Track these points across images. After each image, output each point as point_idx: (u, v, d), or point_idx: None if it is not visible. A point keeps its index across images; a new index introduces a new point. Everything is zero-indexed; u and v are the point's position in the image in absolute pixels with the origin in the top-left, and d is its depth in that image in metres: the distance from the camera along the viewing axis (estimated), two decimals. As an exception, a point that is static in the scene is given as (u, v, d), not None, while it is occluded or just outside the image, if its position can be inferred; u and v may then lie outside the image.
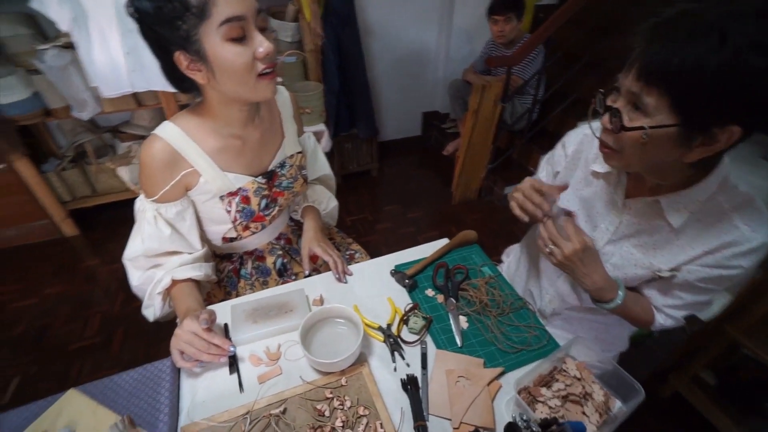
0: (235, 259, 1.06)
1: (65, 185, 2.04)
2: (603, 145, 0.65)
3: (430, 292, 0.89)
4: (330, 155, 2.58)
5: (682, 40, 0.49)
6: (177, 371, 0.71)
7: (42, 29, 1.80)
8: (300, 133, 1.07)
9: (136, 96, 1.86)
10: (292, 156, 1.00)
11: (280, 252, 1.09)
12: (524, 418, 0.59)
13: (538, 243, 0.75)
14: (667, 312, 0.77)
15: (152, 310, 0.87)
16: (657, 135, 0.55)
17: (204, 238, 0.96)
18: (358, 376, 0.70)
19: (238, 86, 0.73)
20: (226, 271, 1.05)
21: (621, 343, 0.99)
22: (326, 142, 2.04)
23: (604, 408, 0.64)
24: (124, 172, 2.05)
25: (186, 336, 0.68)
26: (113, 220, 2.27)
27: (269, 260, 1.07)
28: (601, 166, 0.77)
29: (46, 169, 1.99)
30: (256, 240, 1.05)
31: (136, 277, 0.87)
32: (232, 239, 0.99)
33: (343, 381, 0.69)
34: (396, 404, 0.67)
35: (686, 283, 0.71)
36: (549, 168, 0.94)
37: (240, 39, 0.67)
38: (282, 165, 0.98)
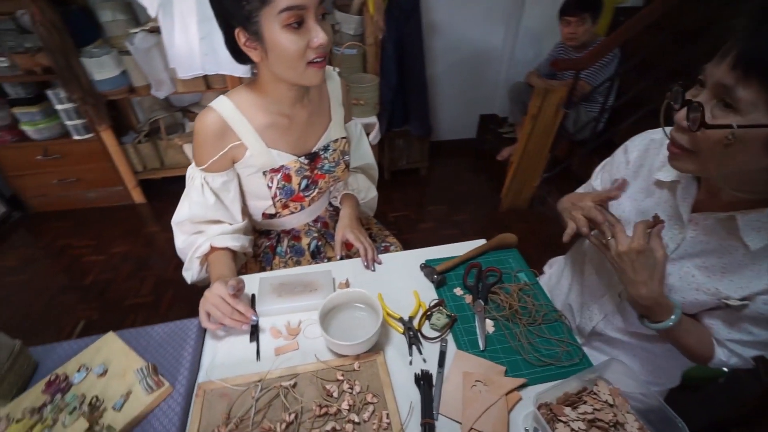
0: (273, 236, 1.10)
1: (139, 157, 2.25)
2: (673, 144, 0.57)
3: (458, 291, 0.85)
4: (380, 150, 2.60)
5: None
6: (203, 331, 0.75)
7: (136, 15, 2.00)
8: (347, 119, 1.07)
9: (206, 78, 2.01)
10: (336, 140, 1.01)
11: (316, 234, 1.10)
12: None
13: (599, 231, 0.68)
14: (731, 347, 0.66)
15: (191, 273, 0.92)
16: (747, 137, 0.47)
17: (246, 213, 1.00)
18: (371, 364, 0.69)
19: (288, 70, 0.75)
20: (263, 247, 1.09)
21: (670, 377, 0.88)
22: (375, 134, 2.05)
23: (636, 442, 0.57)
24: (189, 149, 2.22)
25: (213, 299, 0.72)
26: (176, 193, 2.42)
27: (304, 241, 1.09)
28: (666, 174, 0.69)
29: (124, 141, 2.21)
30: (294, 219, 1.08)
31: (180, 241, 0.93)
32: (271, 216, 1.02)
33: (356, 366, 0.68)
34: (406, 398, 0.65)
35: (760, 316, 0.61)
36: (605, 176, 0.86)
37: (297, 27, 0.69)
38: (326, 148, 0.99)
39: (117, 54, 1.93)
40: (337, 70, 1.74)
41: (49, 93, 1.98)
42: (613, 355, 0.86)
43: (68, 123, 2.05)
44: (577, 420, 0.59)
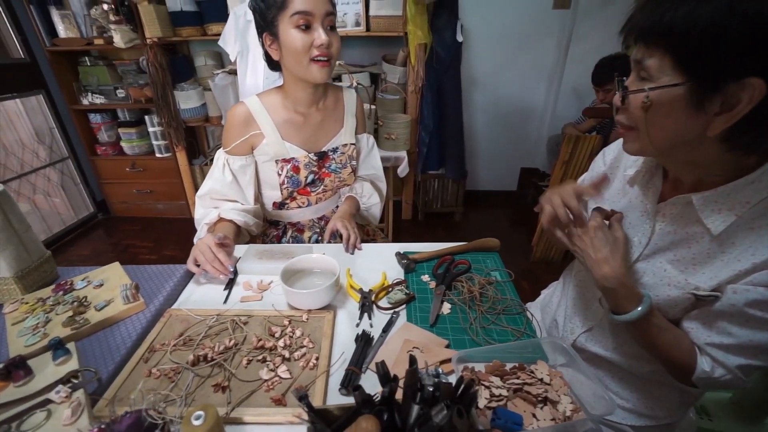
0: (280, 228, 1.21)
1: (203, 177, 2.61)
2: (620, 126, 0.60)
3: (425, 278, 0.88)
4: (414, 191, 2.72)
5: None
6: (189, 275, 0.86)
7: (222, 61, 2.46)
8: (359, 131, 1.20)
9: (266, 113, 2.34)
10: (345, 145, 1.14)
11: (318, 230, 1.20)
12: (435, 376, 0.50)
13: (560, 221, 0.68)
14: (713, 354, 0.59)
15: (198, 238, 1.05)
16: (664, 98, 0.50)
17: (258, 200, 1.14)
18: (319, 319, 0.73)
19: (296, 64, 0.92)
20: (270, 236, 1.20)
21: (668, 410, 0.76)
22: (404, 168, 2.18)
23: (562, 419, 0.53)
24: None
25: (201, 245, 0.83)
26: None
27: (306, 234, 1.19)
28: (632, 168, 0.70)
29: (194, 163, 2.59)
30: (300, 213, 1.19)
31: (199, 213, 1.08)
32: (281, 206, 1.14)
33: (304, 317, 0.73)
34: (341, 349, 0.67)
35: (734, 309, 0.55)
36: (588, 181, 0.87)
37: (305, 29, 0.87)
38: (335, 150, 1.12)
39: (201, 89, 2.36)
40: (355, 85, 1.94)
41: (147, 118, 2.44)
42: (598, 378, 0.79)
43: (155, 143, 2.49)
44: (501, 387, 0.57)
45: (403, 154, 2.16)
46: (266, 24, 0.90)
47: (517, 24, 2.46)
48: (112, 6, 2.13)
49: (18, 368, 0.54)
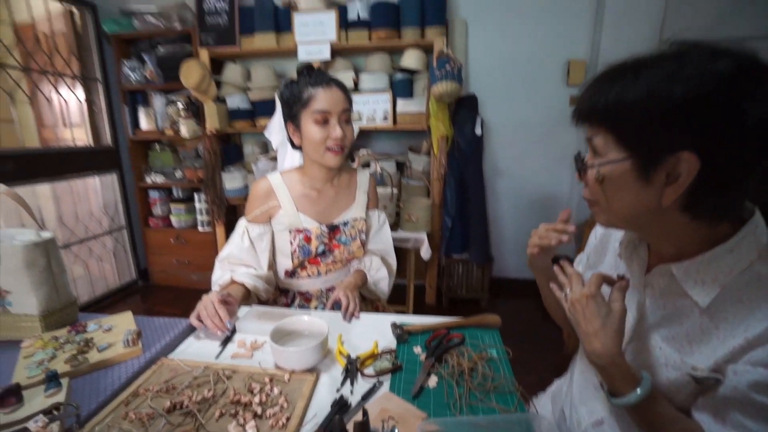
0: (289, 296, 1.26)
1: (238, 249, 2.78)
2: (586, 201, 0.63)
3: (417, 349, 0.86)
4: (438, 275, 2.70)
5: (606, 83, 0.53)
6: (190, 329, 0.90)
7: (267, 148, 2.80)
8: (371, 207, 1.30)
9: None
10: (356, 219, 1.23)
11: (324, 300, 1.23)
12: None
13: (559, 282, 0.67)
14: None
15: (210, 298, 1.12)
16: (614, 173, 0.53)
17: (272, 267, 1.21)
18: (301, 381, 0.73)
19: (313, 152, 1.06)
20: (280, 304, 1.25)
21: None
22: (426, 250, 2.22)
23: None
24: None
25: (205, 300, 0.89)
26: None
27: (313, 303, 1.22)
28: (619, 240, 0.70)
29: (232, 236, 2.79)
30: (309, 283, 1.24)
31: (216, 275, 1.16)
32: (292, 274, 1.21)
33: (286, 378, 0.73)
34: (316, 412, 0.66)
35: (739, 394, 0.50)
36: (582, 256, 0.87)
37: (323, 123, 1.03)
38: (345, 223, 1.21)
39: (246, 173, 2.66)
40: (379, 171, 2.08)
41: (195, 195, 2.75)
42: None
43: (199, 217, 2.75)
44: (471, 466, 0.53)
45: (423, 235, 2.22)
46: (291, 115, 1.07)
47: (536, 118, 2.62)
48: (184, 105, 2.57)
49: (11, 395, 0.58)
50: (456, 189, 2.50)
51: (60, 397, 0.60)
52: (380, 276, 1.29)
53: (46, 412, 0.55)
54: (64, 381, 0.64)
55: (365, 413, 0.46)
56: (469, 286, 2.75)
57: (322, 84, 1.03)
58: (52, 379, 0.62)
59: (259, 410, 0.64)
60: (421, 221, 2.24)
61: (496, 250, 2.90)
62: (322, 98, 1.02)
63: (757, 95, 0.44)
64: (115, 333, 0.81)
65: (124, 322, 0.87)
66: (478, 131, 2.42)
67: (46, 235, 0.81)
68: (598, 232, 0.81)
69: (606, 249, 0.77)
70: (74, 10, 2.51)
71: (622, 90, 0.50)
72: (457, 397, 0.71)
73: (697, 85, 0.45)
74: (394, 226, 2.33)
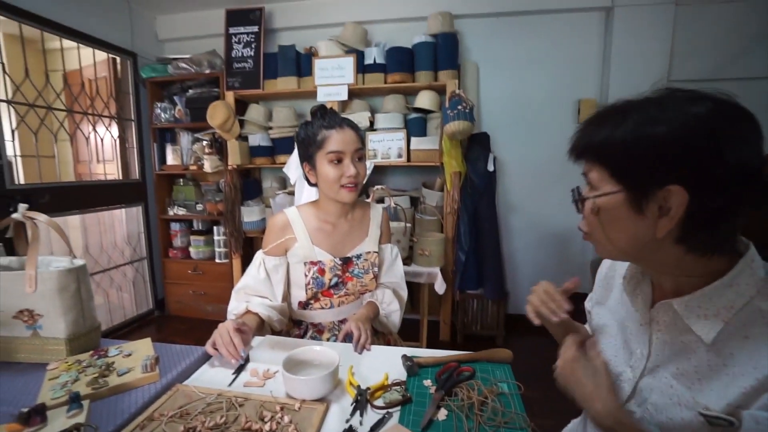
0: (302, 327, 1.28)
1: (253, 281, 2.83)
2: (582, 233, 0.65)
3: (427, 382, 0.85)
4: (452, 311, 2.66)
5: (598, 123, 0.57)
6: (205, 357, 0.92)
7: (285, 183, 2.90)
8: (383, 241, 1.33)
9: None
10: (369, 252, 1.26)
11: (337, 332, 1.24)
12: None
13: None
14: None
15: (225, 328, 1.14)
16: (609, 205, 0.56)
17: (286, 299, 1.24)
18: (311, 410, 0.74)
19: (328, 190, 1.12)
20: (293, 335, 1.26)
21: None
22: (440, 284, 2.21)
23: None
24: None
25: (221, 329, 0.92)
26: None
27: (325, 335, 1.23)
28: (622, 274, 0.71)
29: (248, 268, 2.84)
30: (322, 315, 1.26)
31: (232, 305, 1.19)
32: (305, 305, 1.23)
33: (296, 406, 0.74)
34: (324, 442, 0.66)
35: None
36: (593, 296, 0.86)
37: (337, 163, 1.09)
38: (358, 256, 1.24)
39: (263, 206, 2.75)
40: (393, 206, 2.11)
41: (215, 228, 2.84)
42: None
43: (217, 249, 2.83)
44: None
45: (437, 270, 2.22)
46: (307, 156, 1.14)
47: (548, 155, 2.66)
48: (209, 142, 2.73)
49: (37, 415, 0.61)
50: (469, 224, 2.52)
51: (81, 418, 0.62)
52: (392, 309, 1.30)
53: (68, 431, 0.57)
54: (85, 403, 0.66)
55: (357, 403, 0.46)
56: (484, 323, 2.69)
57: (335, 126, 1.10)
58: (75, 401, 0.64)
59: (268, 438, 0.65)
60: (435, 255, 2.25)
61: (511, 286, 2.86)
62: (335, 140, 1.08)
63: (734, 138, 0.48)
64: (134, 358, 0.84)
65: (143, 348, 0.90)
66: (490, 167, 2.47)
67: (78, 262, 0.87)
68: (603, 267, 0.81)
69: (612, 284, 0.77)
70: (117, 58, 2.75)
71: (612, 129, 0.54)
72: (467, 430, 0.70)
73: (678, 126, 0.49)
74: (408, 261, 2.34)
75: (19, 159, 2.41)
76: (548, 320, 0.79)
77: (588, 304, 0.87)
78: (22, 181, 2.42)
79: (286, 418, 0.70)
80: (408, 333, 2.32)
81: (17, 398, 0.71)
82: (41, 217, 0.85)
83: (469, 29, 2.65)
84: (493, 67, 2.67)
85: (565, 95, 2.64)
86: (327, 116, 1.13)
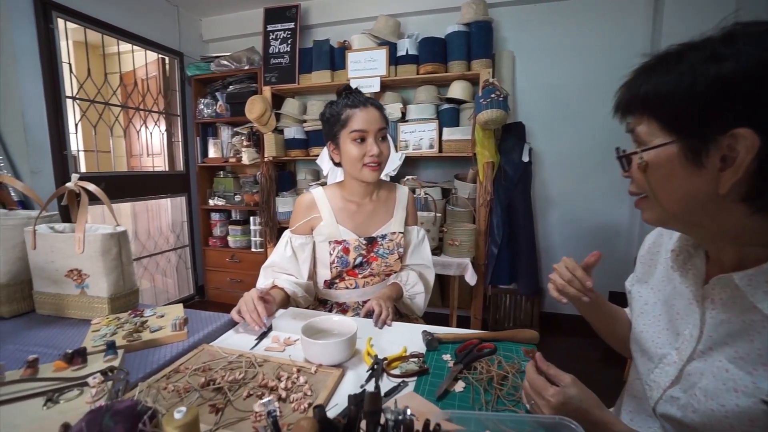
0: (328, 307, 1.30)
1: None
2: (633, 196, 0.59)
3: (446, 357, 0.84)
4: (484, 307, 2.60)
5: (646, 71, 0.52)
6: (233, 324, 0.96)
7: (318, 174, 2.97)
8: (409, 223, 1.33)
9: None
10: (394, 233, 1.26)
11: (360, 312, 1.25)
12: (400, 413, 0.47)
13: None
14: None
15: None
16: (660, 159, 0.51)
17: (312, 277, 1.26)
18: (327, 374, 0.74)
19: (350, 167, 1.13)
20: (318, 314, 1.29)
21: None
22: (471, 275, 2.16)
23: None
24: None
25: (246, 296, 0.95)
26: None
27: (349, 314, 1.24)
28: (672, 248, 0.64)
29: (281, 257, 2.93)
30: (347, 294, 1.27)
31: (260, 281, 1.23)
32: (330, 284, 1.25)
33: (313, 369, 0.75)
34: (336, 402, 0.67)
35: None
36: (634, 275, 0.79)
37: (360, 142, 1.10)
38: (383, 236, 1.24)
39: (297, 197, 2.82)
40: (423, 196, 2.09)
41: (251, 218, 2.95)
42: None
43: (253, 239, 2.94)
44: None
45: (467, 261, 2.17)
46: (331, 135, 1.15)
47: (588, 146, 2.53)
48: (246, 135, 2.85)
49: (79, 356, 0.66)
50: (503, 217, 2.45)
51: (115, 363, 0.67)
52: (416, 291, 1.29)
53: (103, 372, 0.62)
54: (120, 351, 0.71)
55: (378, 386, 0.46)
56: (517, 319, 2.61)
57: (359, 105, 1.11)
58: (111, 348, 0.70)
59: (283, 394, 0.66)
60: (465, 246, 2.20)
61: (546, 282, 2.73)
62: (359, 118, 1.09)
63: None
64: (165, 319, 0.90)
65: (175, 310, 0.95)
66: (525, 158, 2.39)
67: (120, 229, 0.94)
68: (646, 242, 0.75)
69: (656, 260, 0.71)
70: (166, 58, 2.95)
71: (664, 74, 0.49)
72: (483, 403, 0.68)
73: (749, 60, 0.43)
74: (437, 251, 2.31)
75: (81, 153, 2.64)
76: (576, 299, 0.75)
77: (628, 283, 0.81)
78: (83, 170, 2.66)
79: (302, 379, 0.71)
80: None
81: (66, 345, 0.79)
82: (90, 186, 0.93)
83: (505, 17, 2.58)
84: (529, 55, 2.58)
85: (606, 84, 2.48)
86: (352, 95, 1.14)
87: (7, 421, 0.53)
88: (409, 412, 0.47)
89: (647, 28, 2.39)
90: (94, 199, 0.93)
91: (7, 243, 0.91)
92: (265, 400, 0.54)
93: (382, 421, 0.47)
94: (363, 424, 0.47)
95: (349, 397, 0.48)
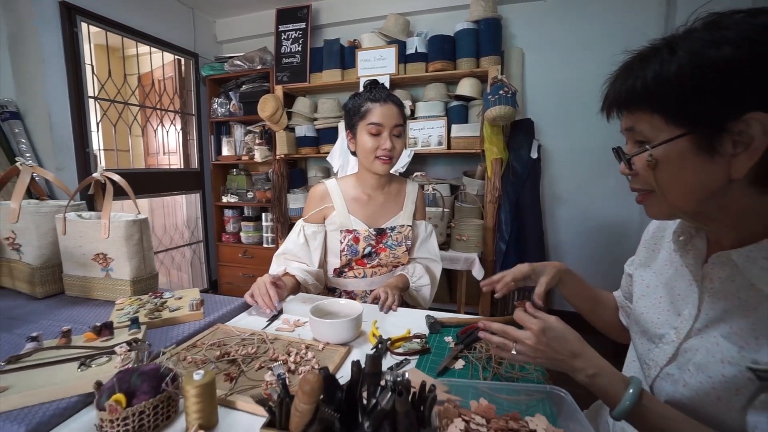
0: (336, 294, 1.34)
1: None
2: (636, 192, 0.59)
3: (448, 338, 0.87)
4: (491, 303, 2.61)
5: (638, 66, 0.51)
6: (246, 307, 1.02)
7: (329, 172, 3.02)
8: (417, 216, 1.36)
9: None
10: (402, 226, 1.30)
11: (368, 300, 1.30)
12: (399, 375, 0.51)
13: (497, 349, 0.67)
14: None
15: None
16: (671, 154, 0.49)
17: (322, 265, 1.31)
18: (334, 351, 0.79)
19: (364, 158, 1.17)
20: (327, 302, 1.34)
21: None
22: (478, 269, 2.19)
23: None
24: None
25: (258, 281, 1.00)
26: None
27: (357, 301, 1.29)
28: (674, 231, 0.65)
29: (292, 253, 2.99)
30: (355, 283, 1.32)
31: (273, 268, 1.29)
32: (340, 273, 1.30)
33: (320, 347, 0.79)
34: (341, 375, 0.71)
35: None
36: (635, 259, 0.80)
37: (375, 135, 1.14)
38: (392, 228, 1.28)
39: (307, 194, 2.88)
40: (432, 191, 2.12)
41: (263, 214, 3.02)
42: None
43: (264, 235, 3.01)
44: (482, 426, 0.53)
45: (474, 255, 2.20)
46: (350, 125, 1.20)
47: (598, 144, 2.53)
48: (259, 134, 2.92)
49: (106, 329, 0.72)
50: (511, 213, 2.46)
51: (138, 336, 0.73)
52: (422, 283, 1.33)
53: (128, 342, 0.68)
54: (143, 327, 0.77)
55: (377, 349, 0.51)
56: (525, 316, 2.61)
57: (380, 100, 1.15)
58: (134, 322, 0.75)
59: (292, 367, 0.71)
60: (473, 241, 2.23)
61: (554, 280, 2.74)
62: (377, 112, 1.13)
63: None
64: (183, 301, 0.96)
65: (192, 293, 1.01)
66: (533, 154, 2.40)
67: (141, 216, 1.00)
68: (651, 227, 0.76)
69: (660, 245, 0.72)
70: (182, 59, 3.04)
71: (661, 66, 0.47)
72: (482, 379, 0.71)
73: (747, 43, 0.43)
74: (445, 246, 2.34)
75: (101, 152, 2.75)
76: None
77: (629, 267, 0.82)
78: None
79: (310, 354, 0.76)
80: (445, 321, 2.32)
81: (94, 321, 0.85)
82: (115, 177, 0.99)
83: (514, 14, 2.60)
84: (538, 52, 2.59)
85: (617, 80, 2.49)
86: (375, 90, 1.19)
87: (48, 379, 0.59)
88: (407, 375, 0.50)
89: (660, 21, 2.37)
90: (116, 193, 0.99)
91: (40, 229, 0.98)
92: (274, 365, 0.58)
93: (382, 383, 0.51)
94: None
95: (352, 362, 0.52)
